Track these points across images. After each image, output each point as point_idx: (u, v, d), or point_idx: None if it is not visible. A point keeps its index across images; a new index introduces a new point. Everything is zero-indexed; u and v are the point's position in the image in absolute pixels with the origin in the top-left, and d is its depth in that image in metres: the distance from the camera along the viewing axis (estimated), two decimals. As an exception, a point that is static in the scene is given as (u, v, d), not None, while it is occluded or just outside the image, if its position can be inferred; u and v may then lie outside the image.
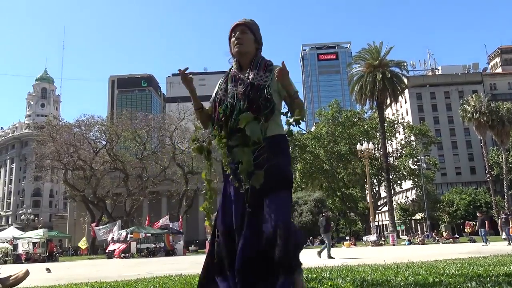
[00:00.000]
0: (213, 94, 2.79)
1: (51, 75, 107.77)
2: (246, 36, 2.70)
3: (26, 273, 5.41)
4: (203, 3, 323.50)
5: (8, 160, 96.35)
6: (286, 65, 2.50)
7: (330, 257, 12.83)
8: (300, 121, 2.47)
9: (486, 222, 20.71)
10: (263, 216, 2.37)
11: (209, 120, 2.74)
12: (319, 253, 13.34)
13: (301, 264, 2.47)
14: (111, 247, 29.72)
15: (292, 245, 2.32)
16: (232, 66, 2.80)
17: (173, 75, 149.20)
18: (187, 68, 2.72)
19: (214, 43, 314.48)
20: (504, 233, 21.15)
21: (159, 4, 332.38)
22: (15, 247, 29.36)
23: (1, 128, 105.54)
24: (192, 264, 10.89)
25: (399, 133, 52.66)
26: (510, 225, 18.78)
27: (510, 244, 17.87)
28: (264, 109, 2.49)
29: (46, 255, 28.15)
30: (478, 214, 23.64)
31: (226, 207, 2.58)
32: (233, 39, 2.72)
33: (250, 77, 2.62)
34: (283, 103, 2.66)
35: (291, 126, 2.58)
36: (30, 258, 27.11)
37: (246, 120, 2.40)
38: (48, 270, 10.94)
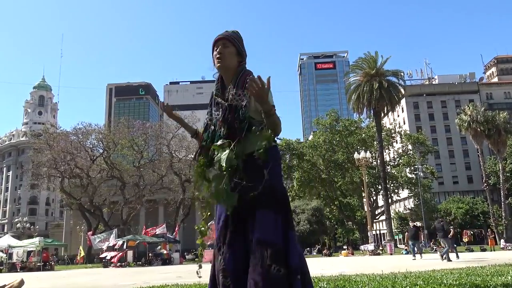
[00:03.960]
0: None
1: (48, 83, 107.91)
2: (228, 50, 2.62)
3: (21, 283, 5.36)
4: (201, 12, 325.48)
5: (5, 168, 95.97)
6: (271, 79, 2.32)
7: (448, 259, 13.93)
8: (271, 143, 2.41)
9: (419, 233, 18.99)
10: (247, 235, 2.38)
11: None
12: (442, 256, 14.55)
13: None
14: (104, 254, 29.39)
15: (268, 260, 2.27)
16: (217, 83, 2.73)
17: (171, 83, 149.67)
18: (167, 104, 2.82)
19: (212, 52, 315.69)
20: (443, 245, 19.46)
21: (157, 12, 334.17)
22: (10, 255, 29.08)
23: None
24: (189, 273, 10.82)
25: (396, 142, 52.79)
26: (451, 235, 16.90)
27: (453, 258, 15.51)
28: (239, 131, 2.43)
29: (41, 264, 27.90)
30: (410, 224, 21.74)
31: (218, 223, 2.58)
32: (214, 52, 2.65)
33: (229, 98, 2.56)
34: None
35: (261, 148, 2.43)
36: (25, 267, 26.86)
37: (217, 150, 2.41)
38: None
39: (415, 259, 16.55)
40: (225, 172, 2.34)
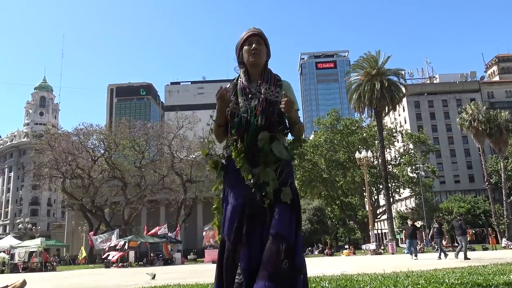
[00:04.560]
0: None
1: (50, 84, 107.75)
2: (262, 47, 2.71)
3: (23, 283, 5.37)
4: (202, 13, 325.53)
5: (6, 169, 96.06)
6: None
7: (466, 258, 14.01)
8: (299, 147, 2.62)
9: (416, 232, 18.25)
10: (267, 229, 2.41)
11: (225, 136, 2.75)
12: (457, 254, 14.75)
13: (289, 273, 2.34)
14: (106, 255, 29.44)
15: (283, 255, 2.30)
16: (239, 76, 2.78)
17: (172, 83, 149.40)
18: (229, 90, 2.72)
19: (212, 52, 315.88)
20: (435, 245, 18.38)
21: (158, 13, 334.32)
22: (12, 256, 29.16)
23: (0, 136, 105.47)
24: (191, 273, 10.82)
25: (398, 141, 52.74)
26: (445, 235, 16.75)
27: (442, 258, 15.71)
28: (277, 126, 2.55)
29: (43, 264, 27.95)
30: (408, 223, 21.08)
31: (230, 218, 2.56)
32: (247, 47, 2.70)
33: (262, 91, 2.62)
34: None
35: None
36: (27, 268, 26.93)
37: (264, 140, 2.46)
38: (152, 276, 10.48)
39: (416, 259, 16.22)
40: (275, 164, 2.45)
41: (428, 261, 13.81)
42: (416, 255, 16.77)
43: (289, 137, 2.74)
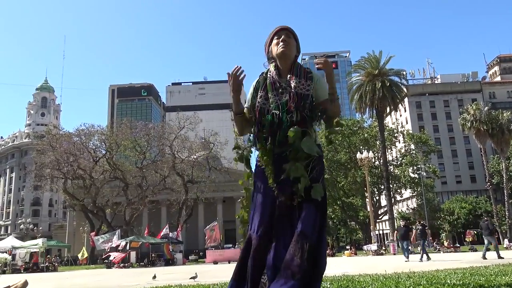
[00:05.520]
0: (249, 100, 2.71)
1: (51, 84, 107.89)
2: (291, 40, 2.69)
3: (25, 284, 5.37)
4: (202, 13, 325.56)
5: (8, 169, 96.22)
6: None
7: (499, 257, 13.87)
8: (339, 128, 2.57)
9: (410, 233, 17.49)
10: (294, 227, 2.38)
11: (248, 127, 2.68)
12: (484, 255, 14.51)
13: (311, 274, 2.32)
14: (107, 255, 29.48)
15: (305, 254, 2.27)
16: (268, 70, 2.74)
17: (173, 84, 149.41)
18: (242, 71, 2.65)
19: (214, 53, 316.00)
20: (418, 246, 17.28)
21: (159, 14, 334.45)
22: (14, 257, 29.20)
23: (1, 137, 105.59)
24: (192, 273, 10.81)
25: (399, 142, 52.70)
26: (428, 237, 15.97)
27: (423, 260, 15.12)
28: (309, 120, 2.52)
29: (45, 264, 27.98)
30: (400, 223, 20.33)
31: (259, 215, 2.53)
32: (276, 40, 2.69)
33: (292, 85, 2.58)
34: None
35: (330, 135, 2.69)
36: (29, 268, 26.97)
37: (295, 136, 2.40)
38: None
39: (408, 261, 15.34)
40: (306, 160, 2.41)
41: (420, 263, 13.75)
42: (407, 257, 16.02)
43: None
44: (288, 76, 2.64)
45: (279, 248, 2.34)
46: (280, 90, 2.59)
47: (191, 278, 9.41)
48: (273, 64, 2.73)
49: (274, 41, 2.70)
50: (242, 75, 2.63)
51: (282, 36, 2.67)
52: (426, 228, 17.88)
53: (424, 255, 15.74)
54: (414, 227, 18.06)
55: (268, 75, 2.70)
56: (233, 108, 2.67)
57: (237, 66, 2.63)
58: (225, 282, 6.77)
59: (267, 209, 2.47)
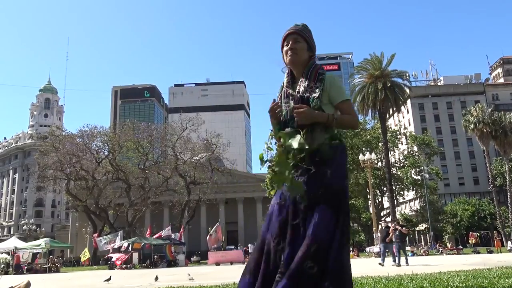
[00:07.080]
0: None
1: (54, 86, 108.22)
2: (299, 45, 2.67)
3: (28, 284, 5.40)
4: (206, 15, 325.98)
5: (11, 170, 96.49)
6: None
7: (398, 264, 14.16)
8: (335, 139, 2.53)
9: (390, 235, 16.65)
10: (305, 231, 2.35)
11: None
12: None
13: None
14: (110, 255, 29.53)
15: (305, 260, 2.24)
16: (287, 76, 2.79)
17: (176, 85, 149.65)
18: (280, 106, 2.67)
19: (216, 54, 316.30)
20: (393, 248, 16.61)
21: (162, 15, 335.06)
22: (17, 257, 29.21)
23: (4, 138, 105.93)
24: (194, 275, 10.81)
25: (402, 144, 52.58)
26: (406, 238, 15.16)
27: (398, 264, 14.66)
28: (318, 123, 2.52)
29: (47, 265, 28.01)
30: (382, 224, 19.94)
31: (275, 217, 2.52)
32: (285, 48, 2.69)
33: (301, 90, 2.62)
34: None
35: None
36: (31, 269, 27.01)
37: (285, 137, 2.45)
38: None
39: (383, 265, 14.27)
40: (292, 159, 2.41)
41: (407, 266, 13.29)
42: (383, 260, 15.25)
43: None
44: (300, 80, 2.67)
45: (294, 248, 2.32)
46: (290, 98, 2.65)
47: (190, 279, 9.47)
48: (289, 70, 2.79)
49: (284, 48, 2.71)
50: (279, 109, 2.66)
51: (290, 43, 2.67)
52: (404, 228, 17.24)
53: (403, 258, 15.25)
54: (392, 227, 17.22)
55: (284, 84, 2.78)
56: (275, 134, 2.68)
57: (276, 102, 2.68)
58: (227, 283, 6.77)
59: (283, 209, 2.47)
